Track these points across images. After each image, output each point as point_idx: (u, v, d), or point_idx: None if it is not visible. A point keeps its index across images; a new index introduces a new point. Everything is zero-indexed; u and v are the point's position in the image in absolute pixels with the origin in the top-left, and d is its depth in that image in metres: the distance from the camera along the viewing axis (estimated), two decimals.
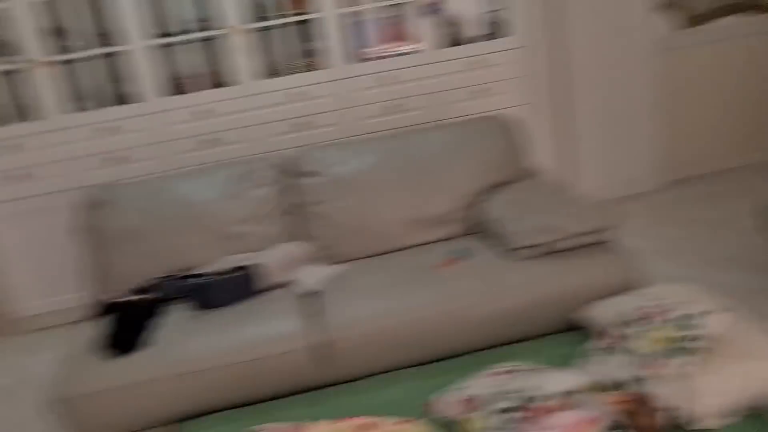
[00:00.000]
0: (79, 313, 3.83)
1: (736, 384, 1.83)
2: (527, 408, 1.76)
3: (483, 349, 2.39)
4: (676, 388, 1.84)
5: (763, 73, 4.37)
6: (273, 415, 2.12)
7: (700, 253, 3.46)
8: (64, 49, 3.50)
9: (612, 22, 3.96)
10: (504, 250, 2.62)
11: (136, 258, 2.82)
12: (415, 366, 2.32)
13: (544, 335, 2.43)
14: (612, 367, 2.00)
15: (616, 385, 1.93)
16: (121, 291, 2.77)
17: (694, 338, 1.90)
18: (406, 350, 2.36)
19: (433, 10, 3.66)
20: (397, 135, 3.09)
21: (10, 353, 3.63)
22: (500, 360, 2.20)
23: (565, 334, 2.37)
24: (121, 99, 3.65)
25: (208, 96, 3.57)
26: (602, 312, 2.22)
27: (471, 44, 3.74)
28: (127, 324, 2.42)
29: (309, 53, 3.75)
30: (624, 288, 2.43)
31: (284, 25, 3.73)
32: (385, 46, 3.73)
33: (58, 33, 3.56)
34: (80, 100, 3.64)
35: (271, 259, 2.64)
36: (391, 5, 3.69)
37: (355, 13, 3.66)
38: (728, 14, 4.10)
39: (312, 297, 2.58)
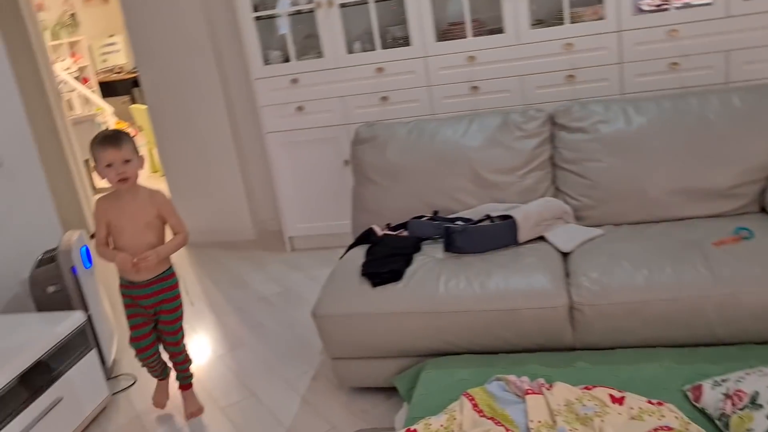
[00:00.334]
0: (337, 240, 4.17)
1: None
2: None
3: (758, 343, 2.12)
4: None
5: None
6: (517, 368, 2.11)
7: None
8: None
9: None
10: None
11: (396, 195, 2.95)
12: (677, 347, 2.14)
13: None
14: None
15: None
16: (380, 225, 2.94)
17: None
18: (666, 328, 2.18)
19: None
20: (676, 95, 2.81)
21: (279, 267, 4.08)
22: None
23: None
24: (394, 42, 3.79)
25: (475, 43, 3.56)
26: None
27: None
28: (384, 257, 2.55)
29: (588, 1, 3.55)
30: None
31: None
32: None
33: None
34: (356, 41, 3.84)
35: (527, 212, 2.59)
36: None
37: None
38: None
39: (565, 257, 2.50)
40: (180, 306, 2.63)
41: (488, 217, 2.68)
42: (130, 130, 9.60)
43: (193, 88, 4.35)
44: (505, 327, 2.29)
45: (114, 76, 10.39)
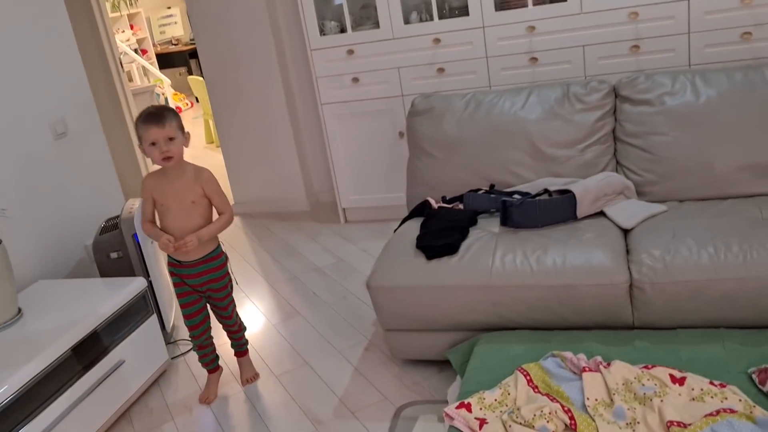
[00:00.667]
0: (391, 213, 4.17)
1: None
2: None
3: None
4: None
5: None
6: (574, 345, 2.08)
7: None
8: None
9: None
10: None
11: (452, 168, 2.92)
12: (741, 328, 2.07)
13: None
14: None
15: None
16: (435, 198, 2.92)
17: None
18: (731, 309, 2.11)
19: None
20: (748, 66, 2.68)
21: (333, 238, 4.11)
22: None
23: None
24: (452, 12, 3.72)
25: (536, 12, 3.46)
26: None
27: None
28: (439, 230, 2.53)
29: None
30: None
31: None
32: None
33: None
34: (413, 11, 3.79)
35: (587, 187, 2.53)
36: None
37: None
38: None
39: (626, 234, 2.44)
40: (228, 284, 2.62)
41: (546, 191, 2.63)
42: (187, 102, 9.77)
43: (249, 59, 4.38)
44: (561, 303, 2.25)
45: (171, 48, 10.57)
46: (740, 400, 1.69)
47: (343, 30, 3.90)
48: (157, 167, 2.47)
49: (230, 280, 2.62)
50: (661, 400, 1.73)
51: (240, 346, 2.78)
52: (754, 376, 1.80)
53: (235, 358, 2.82)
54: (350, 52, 3.81)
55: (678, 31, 3.28)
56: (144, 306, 2.79)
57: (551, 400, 1.80)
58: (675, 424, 1.63)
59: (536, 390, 1.87)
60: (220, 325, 2.74)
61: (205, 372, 2.77)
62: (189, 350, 3.09)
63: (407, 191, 3.08)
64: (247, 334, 3.15)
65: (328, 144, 4.08)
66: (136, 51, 9.05)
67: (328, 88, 3.94)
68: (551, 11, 3.43)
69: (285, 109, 4.44)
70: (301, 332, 3.10)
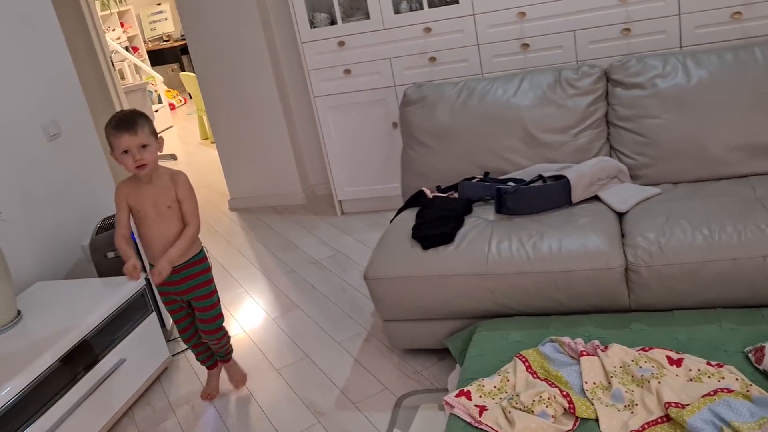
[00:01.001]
0: (387, 203, 4.17)
1: None
2: None
3: None
4: None
5: None
6: (571, 330, 2.10)
7: None
8: None
9: None
10: None
11: (446, 157, 2.92)
12: (737, 308, 2.08)
13: None
14: None
15: None
16: (430, 187, 2.92)
17: None
18: (726, 289, 2.12)
19: None
20: (739, 47, 2.68)
21: (330, 230, 4.11)
22: None
23: None
24: (442, 1, 3.71)
25: None
26: None
27: None
28: (435, 219, 2.54)
29: None
30: None
31: None
32: None
33: None
34: (402, 1, 3.77)
35: (581, 172, 2.53)
36: None
37: None
38: None
39: (621, 217, 2.45)
40: (214, 292, 2.50)
41: (540, 177, 2.63)
42: (180, 98, 9.75)
43: (240, 54, 4.37)
44: (558, 289, 2.26)
45: (162, 45, 10.53)
46: (737, 380, 1.71)
47: (333, 22, 3.89)
48: (130, 175, 2.37)
49: (215, 289, 2.51)
50: (659, 382, 1.74)
51: (225, 354, 2.66)
52: (750, 355, 1.81)
53: (221, 364, 2.72)
54: (341, 43, 3.80)
55: (668, 13, 3.28)
56: (143, 304, 2.80)
57: (550, 385, 1.81)
58: (673, 404, 1.65)
59: (535, 376, 1.88)
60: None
61: (205, 368, 2.78)
62: (188, 348, 3.10)
63: (402, 181, 3.08)
64: (247, 329, 3.16)
65: (322, 136, 4.08)
66: (127, 49, 9.01)
67: (320, 81, 3.94)
68: None
69: (278, 102, 4.44)
70: (300, 325, 3.11)
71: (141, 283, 2.79)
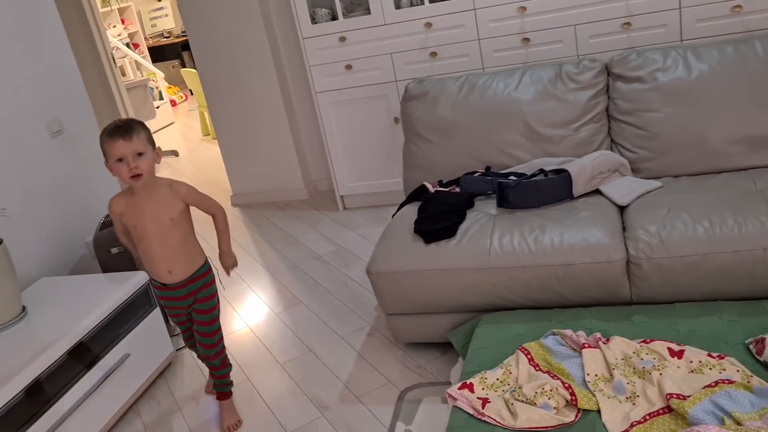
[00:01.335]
0: (389, 198, 4.19)
1: None
2: None
3: None
4: None
5: None
6: (573, 323, 2.11)
7: None
8: None
9: None
10: None
11: (447, 151, 2.93)
12: (738, 300, 2.10)
13: None
14: None
15: None
16: (432, 182, 2.93)
17: None
18: (727, 281, 2.13)
19: None
20: (739, 40, 2.69)
21: (332, 226, 4.13)
22: None
23: None
24: None
25: None
26: None
27: None
28: (437, 213, 2.55)
29: None
30: None
31: None
32: None
33: None
34: None
35: (582, 166, 2.54)
36: None
37: None
38: None
39: (622, 211, 2.46)
40: (217, 305, 2.39)
41: (542, 171, 2.64)
42: (181, 95, 9.75)
43: (241, 50, 4.37)
44: (560, 282, 2.27)
45: (163, 41, 10.52)
46: (738, 371, 1.72)
47: (334, 17, 3.90)
48: (117, 189, 2.33)
49: (218, 302, 2.40)
50: (660, 374, 1.75)
51: (223, 386, 2.47)
52: (751, 346, 1.82)
53: (215, 401, 2.56)
54: (342, 39, 3.80)
55: (669, 7, 3.28)
56: (147, 300, 2.82)
57: (552, 377, 1.83)
58: (674, 396, 1.66)
59: (537, 368, 1.90)
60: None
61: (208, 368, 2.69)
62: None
63: (404, 176, 3.09)
64: (251, 324, 3.18)
65: (324, 132, 4.09)
66: (128, 45, 9.02)
67: (322, 76, 3.94)
68: None
69: (279, 98, 4.44)
70: (303, 320, 3.13)
71: (145, 277, 2.81)
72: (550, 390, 1.76)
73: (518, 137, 2.83)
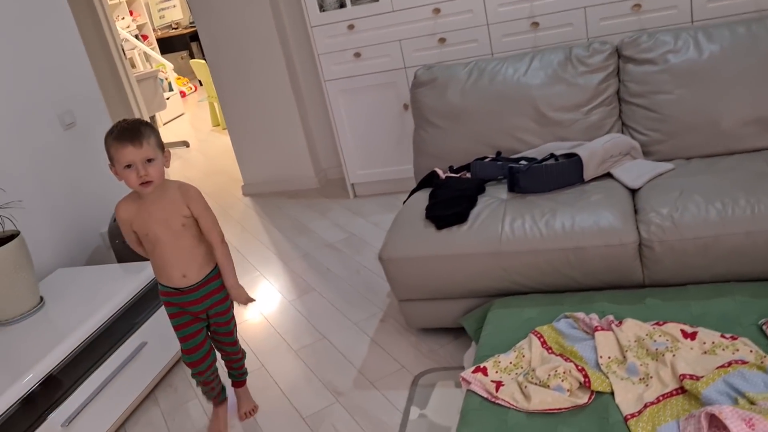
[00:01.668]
0: (399, 185, 4.19)
1: None
2: None
3: None
4: None
5: None
6: (585, 306, 2.11)
7: None
8: None
9: None
10: None
11: (457, 137, 2.93)
12: (751, 281, 2.09)
13: None
14: None
15: None
16: (443, 168, 2.94)
17: None
18: (740, 262, 2.13)
19: None
20: (751, 20, 2.66)
21: (343, 213, 4.14)
22: None
23: None
24: None
25: None
26: None
27: None
28: (448, 199, 2.56)
29: None
30: None
31: None
32: None
33: None
34: None
35: (593, 150, 2.54)
36: None
37: None
38: None
39: (633, 194, 2.45)
40: (231, 306, 2.32)
41: (552, 155, 2.64)
42: (191, 85, 9.77)
43: (250, 39, 4.38)
44: (572, 266, 2.27)
45: (172, 32, 10.54)
46: (751, 351, 1.72)
47: (342, 5, 3.89)
48: (130, 193, 2.13)
49: (232, 302, 2.32)
50: (673, 355, 1.76)
51: (240, 375, 2.50)
52: (764, 327, 1.82)
53: (232, 389, 2.55)
54: (351, 27, 3.80)
55: None
56: None
57: (565, 360, 1.84)
58: (687, 377, 1.67)
59: (550, 351, 1.91)
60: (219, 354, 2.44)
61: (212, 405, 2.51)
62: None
63: (414, 163, 3.10)
64: (265, 313, 3.20)
65: (334, 120, 4.09)
66: (136, 37, 9.04)
67: (331, 65, 3.94)
68: None
69: (289, 87, 4.45)
70: (317, 307, 3.15)
71: None
72: (564, 372, 1.77)
73: (528, 122, 2.83)
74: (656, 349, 1.81)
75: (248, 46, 4.40)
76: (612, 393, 1.72)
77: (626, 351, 1.83)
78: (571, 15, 3.44)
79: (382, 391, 2.46)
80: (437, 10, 3.63)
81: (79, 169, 3.30)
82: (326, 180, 4.81)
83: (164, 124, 8.11)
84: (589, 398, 1.73)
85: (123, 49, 5.29)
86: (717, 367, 1.67)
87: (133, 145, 1.93)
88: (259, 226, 4.30)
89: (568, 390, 1.74)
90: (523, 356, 1.92)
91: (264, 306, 3.28)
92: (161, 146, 2.03)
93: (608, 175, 2.57)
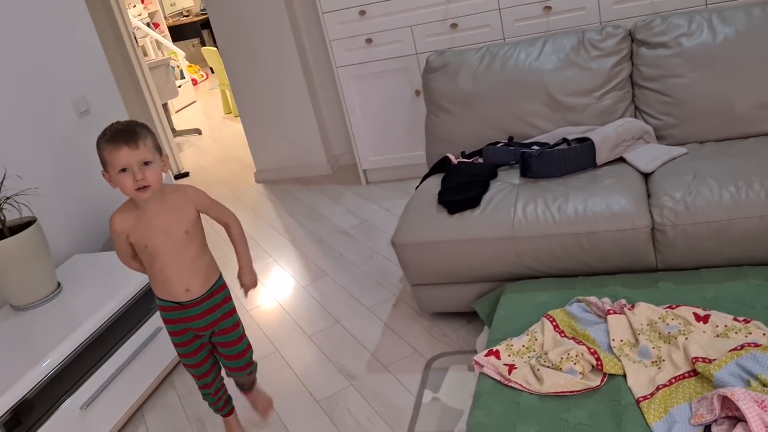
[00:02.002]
0: (411, 171, 4.20)
1: None
2: None
3: None
4: None
5: None
6: (598, 290, 2.12)
7: None
8: None
9: None
10: None
11: (470, 123, 2.93)
12: (766, 265, 2.09)
13: None
14: None
15: None
16: (455, 153, 2.94)
17: None
18: (754, 246, 2.12)
19: None
20: (766, 2, 2.64)
21: (355, 199, 4.16)
22: None
23: None
24: None
25: None
26: None
27: None
28: (460, 184, 2.56)
29: None
30: None
31: None
32: None
33: None
34: None
35: (605, 134, 2.53)
36: None
37: None
38: None
39: (646, 178, 2.45)
40: (239, 322, 2.14)
41: (565, 140, 2.63)
42: (202, 73, 9.79)
43: (262, 26, 4.38)
44: (584, 250, 2.28)
45: (183, 20, 10.55)
46: (764, 334, 1.72)
47: None
48: (125, 202, 1.97)
49: (239, 319, 2.16)
50: (686, 338, 1.76)
51: (252, 384, 2.33)
52: None
53: (242, 395, 2.38)
54: (362, 12, 3.79)
55: None
56: None
57: (577, 343, 1.85)
58: (700, 359, 1.67)
59: (563, 334, 1.92)
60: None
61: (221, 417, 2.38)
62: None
63: (426, 148, 3.10)
64: (279, 298, 3.23)
65: (345, 106, 4.10)
66: (148, 25, 9.05)
67: (342, 51, 3.94)
68: None
69: (301, 74, 4.45)
70: (330, 292, 3.17)
71: None
72: (576, 355, 1.78)
73: (541, 107, 2.82)
74: (668, 333, 1.81)
75: (260, 32, 4.41)
76: (624, 375, 1.73)
77: (638, 334, 1.84)
78: None
79: (395, 374, 2.48)
80: None
81: (94, 156, 3.33)
82: (338, 166, 4.82)
83: (176, 112, 8.14)
84: (602, 381, 1.74)
85: (135, 37, 5.31)
86: (730, 350, 1.68)
87: (128, 147, 1.77)
88: (272, 212, 4.32)
89: (580, 373, 1.75)
90: (536, 339, 1.94)
91: (277, 291, 3.31)
92: (158, 149, 1.87)
93: (621, 160, 2.57)
